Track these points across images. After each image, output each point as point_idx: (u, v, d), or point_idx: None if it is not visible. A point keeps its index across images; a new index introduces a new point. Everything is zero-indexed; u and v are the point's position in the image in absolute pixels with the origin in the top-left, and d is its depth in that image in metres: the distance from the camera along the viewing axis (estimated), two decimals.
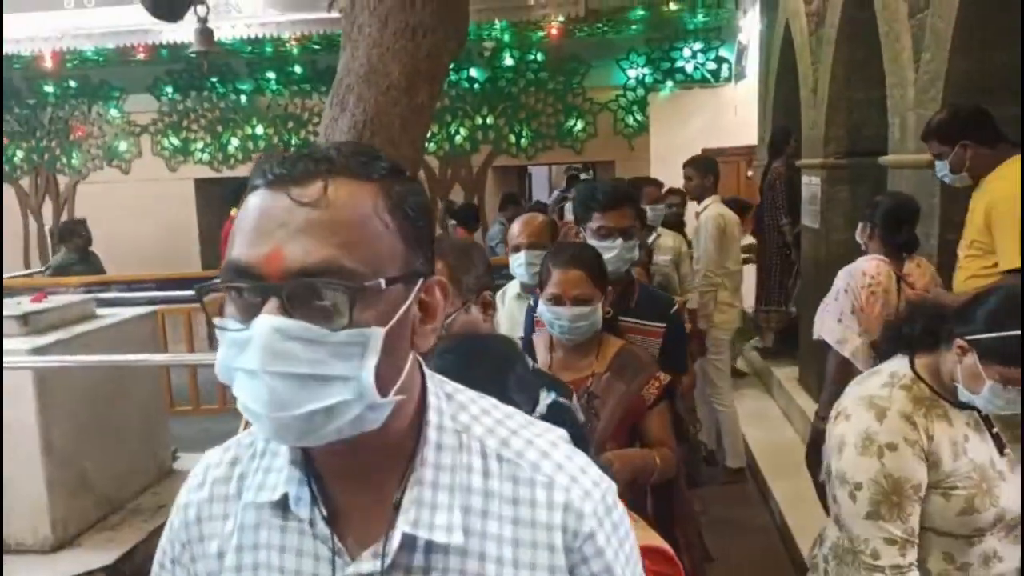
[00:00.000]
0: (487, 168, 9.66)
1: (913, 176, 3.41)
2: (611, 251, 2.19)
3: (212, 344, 5.58)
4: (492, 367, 1.18)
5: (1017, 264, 2.44)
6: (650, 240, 4.12)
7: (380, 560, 0.73)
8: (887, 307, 2.73)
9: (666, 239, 4.33)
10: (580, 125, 9.50)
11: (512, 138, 9.57)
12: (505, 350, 1.28)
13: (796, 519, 3.77)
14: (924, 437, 1.54)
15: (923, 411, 1.56)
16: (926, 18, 3.22)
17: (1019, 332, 1.44)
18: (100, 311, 3.54)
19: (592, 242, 2.26)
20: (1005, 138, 2.68)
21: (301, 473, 0.77)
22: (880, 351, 1.79)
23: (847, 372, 2.75)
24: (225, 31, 7.50)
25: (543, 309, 2.02)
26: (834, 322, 2.85)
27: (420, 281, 0.73)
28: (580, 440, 1.05)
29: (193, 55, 6.02)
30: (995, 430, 1.61)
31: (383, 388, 0.70)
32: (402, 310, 0.71)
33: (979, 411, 1.60)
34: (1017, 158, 2.59)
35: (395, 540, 0.73)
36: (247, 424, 0.75)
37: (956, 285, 2.78)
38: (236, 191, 11.33)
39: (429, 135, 8.51)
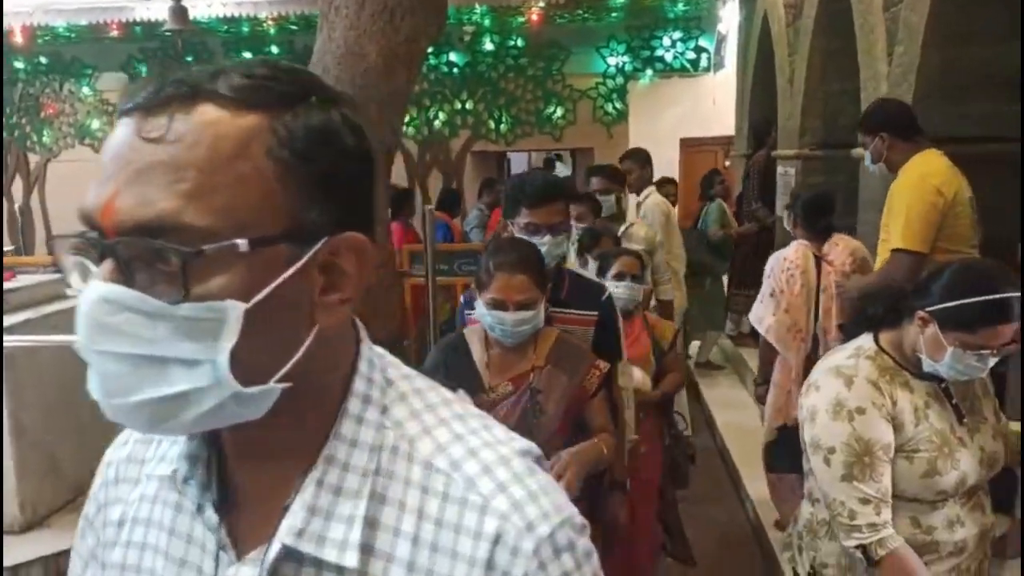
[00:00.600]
0: (466, 153, 9.63)
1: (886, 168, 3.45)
2: (539, 248, 2.08)
3: None
4: None
5: (901, 244, 2.71)
6: (620, 230, 4.08)
7: (259, 568, 0.60)
8: (807, 285, 3.15)
9: (639, 229, 4.26)
10: (559, 112, 9.50)
11: (491, 123, 9.54)
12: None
13: (767, 507, 3.84)
14: (889, 402, 1.64)
15: (887, 378, 1.66)
16: (900, 11, 3.26)
17: (973, 299, 1.55)
18: (70, 291, 3.49)
19: (519, 235, 2.17)
20: (921, 132, 2.86)
21: (199, 448, 0.64)
22: (847, 332, 1.89)
23: (769, 348, 3.24)
24: (201, 10, 7.38)
25: (482, 312, 1.94)
26: (758, 304, 3.31)
27: (321, 242, 0.58)
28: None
29: (167, 33, 5.94)
30: (955, 401, 1.69)
31: (253, 374, 0.56)
32: (282, 278, 0.56)
33: (940, 382, 1.68)
34: (927, 152, 2.78)
35: (273, 551, 0.60)
36: None
37: (875, 267, 3.03)
38: None
39: (408, 119, 8.47)
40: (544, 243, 2.10)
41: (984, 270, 1.65)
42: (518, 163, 12.49)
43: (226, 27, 8.57)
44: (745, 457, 4.28)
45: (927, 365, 1.63)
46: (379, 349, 0.69)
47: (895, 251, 2.74)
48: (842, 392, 1.64)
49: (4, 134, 9.78)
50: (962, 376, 1.63)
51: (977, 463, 1.65)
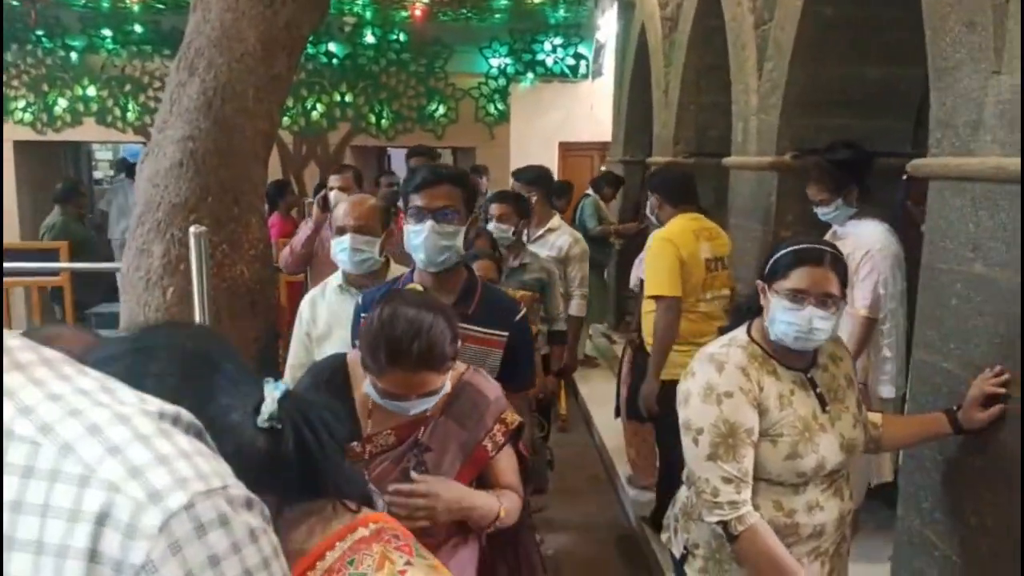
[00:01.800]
0: (344, 147, 9.41)
1: (753, 176, 3.66)
2: (419, 235, 1.86)
3: (41, 320, 5.08)
4: (185, 365, 0.87)
5: (654, 292, 3.23)
6: (539, 232, 4.00)
7: None
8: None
9: (561, 235, 4.05)
10: (442, 110, 9.46)
11: (372, 118, 9.37)
12: (204, 345, 0.93)
13: (645, 504, 3.97)
14: (756, 387, 1.75)
15: (756, 365, 1.77)
16: (770, 30, 3.46)
17: (784, 250, 1.75)
18: None
19: (406, 227, 1.94)
20: (689, 200, 3.37)
21: None
22: (728, 326, 1.99)
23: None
24: None
25: (372, 393, 1.57)
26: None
27: None
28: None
29: (17, 3, 5.43)
30: (819, 390, 1.81)
31: None
32: None
33: (805, 372, 1.81)
34: (682, 217, 3.29)
35: None
36: None
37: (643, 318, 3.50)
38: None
39: (283, 109, 8.15)
40: (422, 229, 1.86)
41: (794, 236, 1.88)
42: (398, 159, 12.35)
43: (84, 1, 7.95)
44: (620, 454, 4.41)
45: (772, 333, 1.76)
46: None
47: (652, 297, 3.26)
48: (713, 377, 1.75)
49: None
50: (795, 331, 1.71)
51: (837, 448, 1.77)
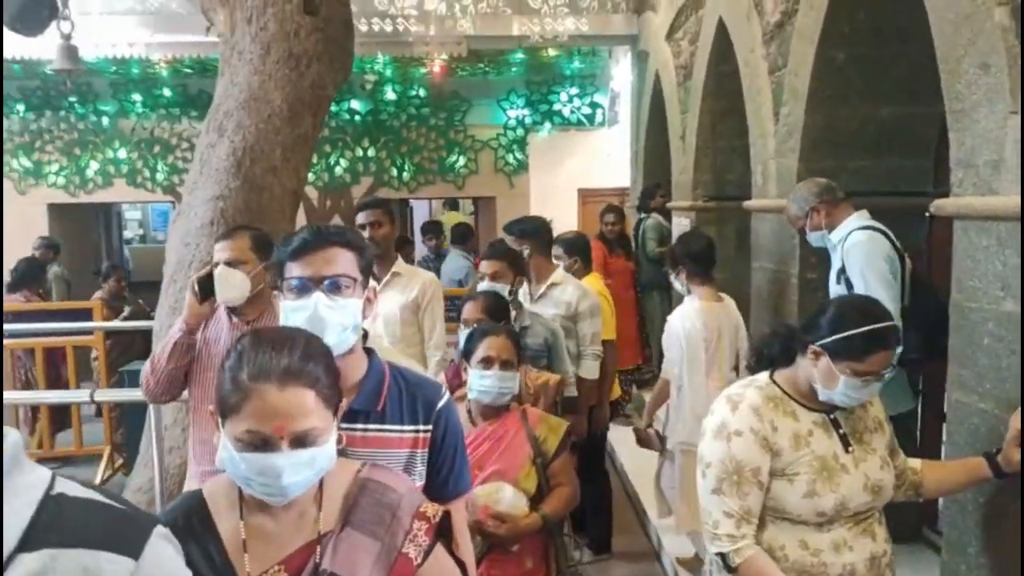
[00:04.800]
0: None
1: (774, 219, 3.67)
2: (301, 312, 1.43)
3: (77, 382, 5.15)
4: None
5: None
6: (542, 289, 3.57)
7: None
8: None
9: (565, 289, 3.56)
10: (462, 161, 9.62)
11: (394, 171, 9.55)
12: None
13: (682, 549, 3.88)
14: (768, 428, 1.77)
15: (772, 406, 1.80)
16: (784, 75, 3.52)
17: (859, 330, 1.71)
18: None
19: (283, 304, 1.49)
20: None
21: None
22: (749, 370, 2.00)
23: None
24: (88, 49, 7.07)
25: (234, 463, 1.21)
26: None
27: None
28: None
29: (52, 72, 5.65)
30: (842, 431, 1.82)
31: None
32: None
33: (828, 413, 1.82)
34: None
35: None
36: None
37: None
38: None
39: (308, 166, 8.32)
40: (305, 305, 1.43)
41: (864, 305, 1.82)
42: (420, 211, 12.51)
43: (115, 68, 8.25)
44: (651, 500, 4.31)
45: (823, 395, 1.77)
46: None
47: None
48: (727, 416, 1.80)
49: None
50: (854, 401, 1.77)
51: (860, 488, 1.77)
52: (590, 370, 3.57)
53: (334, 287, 1.45)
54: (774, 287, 3.70)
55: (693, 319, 3.28)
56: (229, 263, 2.38)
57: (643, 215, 6.46)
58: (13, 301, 5.80)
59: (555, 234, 4.01)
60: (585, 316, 3.55)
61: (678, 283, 3.44)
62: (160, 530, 0.82)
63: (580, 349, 3.55)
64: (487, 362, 2.27)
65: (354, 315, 1.46)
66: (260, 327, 1.44)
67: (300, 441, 1.17)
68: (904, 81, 3.14)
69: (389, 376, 1.54)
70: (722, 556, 1.75)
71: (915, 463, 1.94)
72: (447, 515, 1.34)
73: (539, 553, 2.31)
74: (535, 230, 3.69)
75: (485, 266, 3.21)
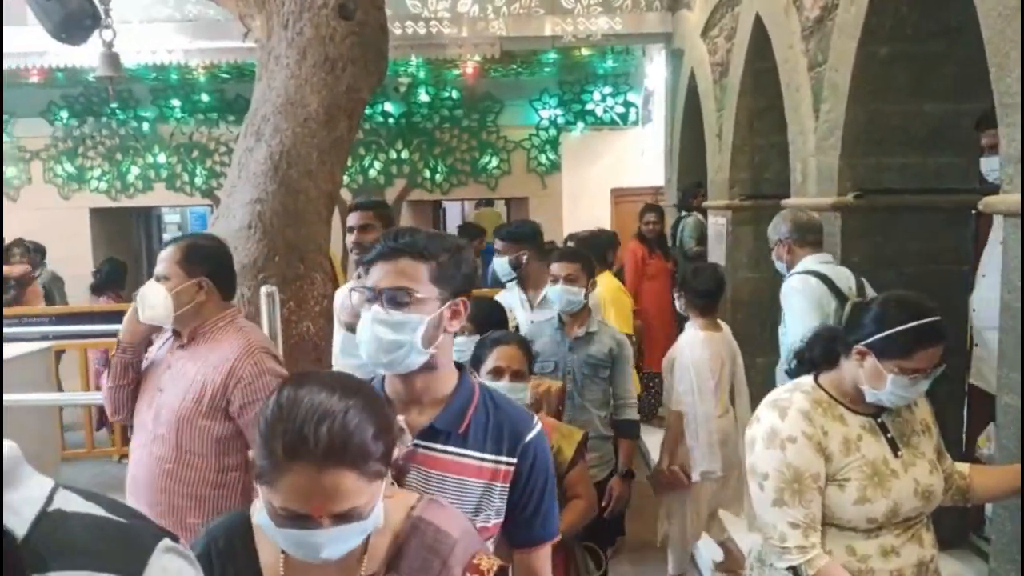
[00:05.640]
0: (401, 202, 9.63)
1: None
2: (362, 326, 1.38)
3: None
4: None
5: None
6: (540, 296, 3.28)
7: None
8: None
9: (604, 333, 3.10)
10: (494, 162, 9.63)
11: (427, 173, 9.59)
12: None
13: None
14: (820, 432, 1.72)
15: (820, 410, 1.75)
16: (824, 72, 3.45)
17: (905, 326, 1.65)
18: None
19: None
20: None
21: None
22: (790, 376, 1.95)
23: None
24: (128, 57, 7.22)
25: (268, 525, 1.13)
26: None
27: None
28: None
29: (95, 80, 5.78)
30: (890, 435, 1.77)
31: None
32: None
33: (876, 417, 1.77)
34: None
35: None
36: None
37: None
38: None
39: (344, 169, 8.40)
40: (365, 318, 1.35)
41: (909, 300, 1.75)
42: (453, 212, 12.54)
43: (154, 75, 8.41)
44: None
45: (870, 396, 1.72)
46: None
47: None
48: (776, 423, 1.73)
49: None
50: (903, 401, 1.72)
51: (911, 494, 1.72)
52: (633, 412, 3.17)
53: (392, 301, 1.33)
54: None
55: (700, 349, 3.28)
56: (157, 278, 2.15)
57: (683, 213, 6.43)
58: (99, 303, 5.93)
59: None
60: (623, 360, 3.12)
61: (678, 304, 3.47)
62: (166, 544, 0.78)
63: (619, 401, 3.15)
64: (497, 372, 2.16)
65: (414, 332, 1.33)
66: (307, 372, 1.28)
67: (343, 518, 1.07)
68: (949, 77, 3.07)
69: (478, 397, 1.43)
70: (794, 570, 1.68)
71: (963, 467, 1.89)
72: (503, 570, 1.22)
73: (556, 569, 2.23)
74: (532, 234, 3.51)
75: (558, 268, 3.02)
